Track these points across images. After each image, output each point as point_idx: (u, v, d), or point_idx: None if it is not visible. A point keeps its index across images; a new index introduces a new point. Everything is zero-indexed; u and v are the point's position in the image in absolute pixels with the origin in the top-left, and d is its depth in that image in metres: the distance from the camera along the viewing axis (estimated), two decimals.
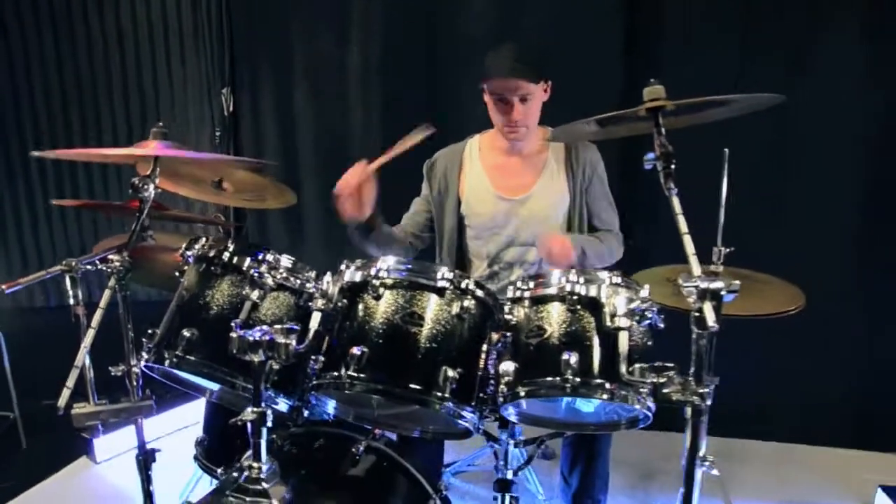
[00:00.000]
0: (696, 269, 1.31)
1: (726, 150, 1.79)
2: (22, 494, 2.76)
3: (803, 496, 2.71)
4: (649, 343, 1.55)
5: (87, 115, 3.75)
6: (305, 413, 1.89)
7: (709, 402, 1.31)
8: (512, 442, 1.92)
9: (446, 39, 3.31)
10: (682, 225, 1.37)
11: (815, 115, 2.90)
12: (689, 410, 1.33)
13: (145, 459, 1.94)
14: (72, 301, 1.80)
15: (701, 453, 2.06)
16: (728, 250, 1.84)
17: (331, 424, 1.89)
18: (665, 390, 1.33)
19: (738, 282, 1.29)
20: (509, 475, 1.91)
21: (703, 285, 1.26)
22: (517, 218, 2.34)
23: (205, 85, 3.70)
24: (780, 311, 1.74)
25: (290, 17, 3.52)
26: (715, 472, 2.06)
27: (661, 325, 1.55)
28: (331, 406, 1.78)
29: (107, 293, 1.78)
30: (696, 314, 1.27)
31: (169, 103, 3.78)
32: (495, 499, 1.87)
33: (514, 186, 2.35)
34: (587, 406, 1.68)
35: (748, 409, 3.17)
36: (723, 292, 1.27)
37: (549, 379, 1.49)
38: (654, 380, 1.33)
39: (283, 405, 1.85)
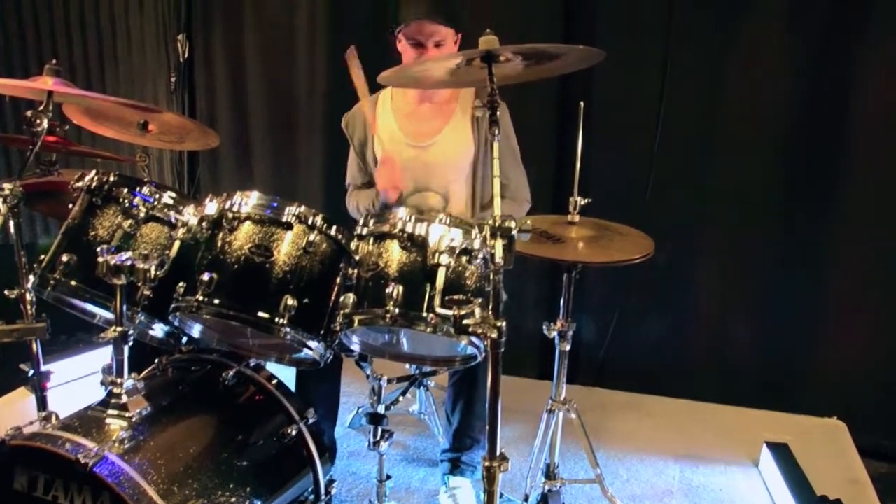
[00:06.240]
0: (498, 209, 1.40)
1: (581, 103, 1.85)
2: None
3: (693, 450, 2.80)
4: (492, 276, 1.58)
5: (44, 56, 3.81)
6: (184, 339, 2.02)
7: (503, 338, 1.39)
8: (385, 377, 2.05)
9: None
10: (496, 168, 1.45)
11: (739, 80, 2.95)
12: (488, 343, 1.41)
13: (38, 378, 2.10)
14: None
15: (562, 397, 2.20)
16: (586, 201, 1.92)
17: (215, 352, 2.02)
18: (465, 321, 1.41)
19: (530, 222, 1.37)
20: (381, 409, 2.04)
21: (495, 223, 1.35)
22: (423, 164, 2.40)
23: (161, 31, 3.76)
24: (627, 260, 1.82)
25: None
26: (573, 415, 2.19)
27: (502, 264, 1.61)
28: (196, 330, 1.90)
29: None
30: (491, 251, 1.36)
31: (126, 47, 3.84)
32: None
33: (421, 133, 2.42)
34: (422, 339, 1.79)
35: (662, 367, 3.28)
36: (514, 232, 1.36)
37: (376, 310, 1.60)
38: (457, 312, 1.41)
39: (159, 331, 1.98)
